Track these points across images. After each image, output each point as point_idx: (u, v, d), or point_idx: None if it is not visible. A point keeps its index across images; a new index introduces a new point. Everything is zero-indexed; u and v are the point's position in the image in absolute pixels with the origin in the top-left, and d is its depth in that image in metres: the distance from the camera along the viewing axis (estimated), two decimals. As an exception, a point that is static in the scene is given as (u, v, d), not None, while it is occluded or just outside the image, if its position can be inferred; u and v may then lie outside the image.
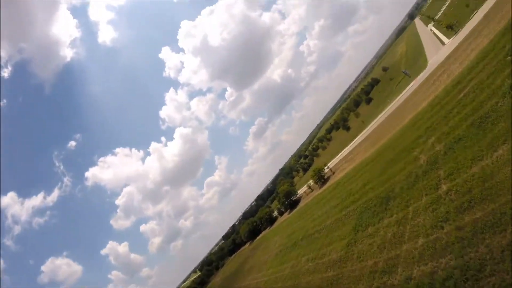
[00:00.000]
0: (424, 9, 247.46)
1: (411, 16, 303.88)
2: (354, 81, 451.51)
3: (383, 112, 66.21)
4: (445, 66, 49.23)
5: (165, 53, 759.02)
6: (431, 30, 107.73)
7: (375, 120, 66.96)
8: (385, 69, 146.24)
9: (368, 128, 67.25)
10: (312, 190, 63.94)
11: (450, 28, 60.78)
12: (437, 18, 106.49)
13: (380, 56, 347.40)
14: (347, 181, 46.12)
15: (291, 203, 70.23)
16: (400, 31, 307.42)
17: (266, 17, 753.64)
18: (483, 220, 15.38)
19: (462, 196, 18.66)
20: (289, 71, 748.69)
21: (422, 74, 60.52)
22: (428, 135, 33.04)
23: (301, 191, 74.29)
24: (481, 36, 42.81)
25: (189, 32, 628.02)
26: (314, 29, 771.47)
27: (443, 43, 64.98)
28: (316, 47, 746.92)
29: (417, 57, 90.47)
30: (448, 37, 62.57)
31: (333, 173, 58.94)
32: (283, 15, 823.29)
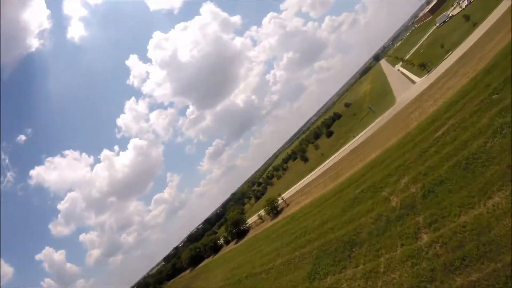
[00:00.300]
0: (391, 51, 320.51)
1: (376, 58, 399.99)
2: (314, 115, 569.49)
3: (346, 146, 76.08)
4: (417, 104, 58.35)
5: (132, 61, 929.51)
6: (398, 70, 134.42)
7: (336, 154, 77.78)
8: (347, 105, 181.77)
9: (328, 161, 77.88)
10: (263, 221, 74.98)
11: (422, 67, 73.33)
12: (406, 58, 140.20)
13: (342, 93, 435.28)
14: (302, 216, 52.38)
15: (239, 233, 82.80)
16: (365, 71, 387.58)
17: (238, 42, 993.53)
18: (482, 284, 15.77)
19: (452, 251, 19.18)
20: (253, 97, 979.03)
21: (389, 110, 70.51)
22: (400, 174, 34.80)
23: (251, 220, 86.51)
24: (458, 75, 51.90)
25: (160, 44, 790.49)
26: (282, 60, 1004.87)
27: (413, 81, 77.47)
28: (281, 77, 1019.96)
29: (383, 95, 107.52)
30: (419, 76, 75.19)
31: (287, 205, 68.84)
32: (255, 42, 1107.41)
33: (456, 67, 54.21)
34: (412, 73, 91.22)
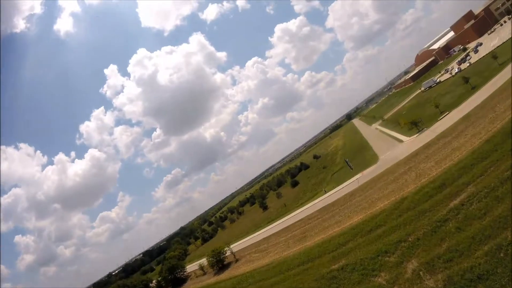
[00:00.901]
0: (366, 111, 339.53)
1: (349, 117, 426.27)
2: (279, 162, 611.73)
3: (315, 201, 73.05)
4: (411, 164, 52.91)
5: (111, 71, 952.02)
6: (377, 128, 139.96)
7: (302, 208, 74.54)
8: (316, 157, 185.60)
9: (292, 215, 74.73)
10: (204, 274, 73.81)
11: (413, 126, 74.43)
12: (386, 118, 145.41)
13: (310, 145, 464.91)
14: (254, 282, 47.50)
15: (174, 281, 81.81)
16: (335, 128, 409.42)
17: (219, 77, 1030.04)
18: None
19: None
20: (222, 134, 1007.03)
21: (372, 168, 67.08)
22: (402, 254, 27.13)
23: (191, 268, 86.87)
24: (465, 136, 49.62)
25: (142, 61, 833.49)
26: (257, 104, 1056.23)
27: (399, 140, 76.19)
28: (253, 120, 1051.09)
29: (360, 151, 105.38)
30: (407, 135, 73.67)
31: (236, 260, 66.28)
32: (235, 82, 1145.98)
33: (460, 127, 50.84)
34: (396, 132, 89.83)
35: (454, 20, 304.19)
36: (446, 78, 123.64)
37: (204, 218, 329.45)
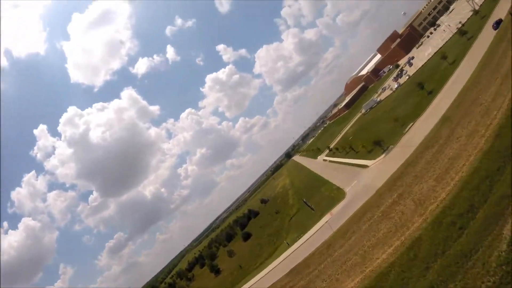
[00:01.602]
0: (304, 147, 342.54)
1: (288, 155, 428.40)
2: (225, 211, 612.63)
3: (279, 260, 63.94)
4: (399, 189, 43.21)
5: (41, 131, 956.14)
6: (325, 159, 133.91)
7: (264, 272, 65.63)
8: (264, 201, 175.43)
9: (252, 282, 67.12)
10: None
11: (377, 145, 66.80)
12: (332, 147, 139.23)
13: (255, 190, 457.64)
14: None
15: None
16: (276, 168, 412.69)
17: (153, 132, 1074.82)
18: None
19: None
20: (162, 190, 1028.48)
21: (341, 205, 57.52)
22: None
23: None
24: (456, 139, 39.16)
25: (73, 120, 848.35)
26: (196, 156, 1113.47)
27: (363, 166, 68.19)
28: (193, 172, 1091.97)
29: (314, 188, 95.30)
30: (371, 158, 66.46)
31: None
32: (170, 135, 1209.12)
33: (444, 132, 43.59)
34: (352, 158, 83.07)
35: (370, 50, 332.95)
36: (387, 95, 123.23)
37: (152, 285, 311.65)
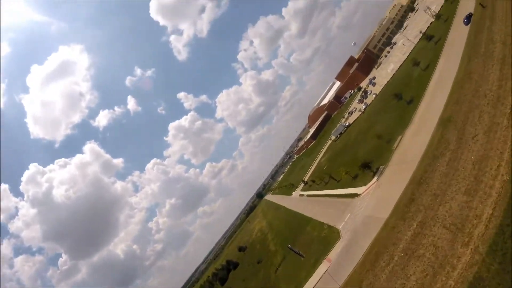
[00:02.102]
0: (275, 185, 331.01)
1: (259, 196, 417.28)
2: (203, 262, 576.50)
3: None
4: (417, 216, 32.51)
5: (2, 191, 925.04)
6: (302, 195, 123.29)
7: None
8: (242, 249, 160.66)
9: None
10: None
11: (366, 168, 56.74)
12: (307, 179, 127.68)
13: (230, 235, 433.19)
14: None
15: None
16: (250, 210, 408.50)
17: (119, 186, 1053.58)
18: None
19: None
20: (134, 247, 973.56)
21: (338, 247, 45.59)
22: None
23: None
24: (472, 140, 31.18)
25: (35, 178, 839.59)
26: (165, 207, 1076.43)
27: (352, 195, 58.24)
28: (165, 224, 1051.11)
29: (297, 230, 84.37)
30: (359, 185, 57.58)
31: None
32: (137, 188, 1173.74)
33: (450, 136, 35.58)
34: (336, 188, 73.05)
35: (325, 83, 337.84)
36: (357, 117, 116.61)
37: None
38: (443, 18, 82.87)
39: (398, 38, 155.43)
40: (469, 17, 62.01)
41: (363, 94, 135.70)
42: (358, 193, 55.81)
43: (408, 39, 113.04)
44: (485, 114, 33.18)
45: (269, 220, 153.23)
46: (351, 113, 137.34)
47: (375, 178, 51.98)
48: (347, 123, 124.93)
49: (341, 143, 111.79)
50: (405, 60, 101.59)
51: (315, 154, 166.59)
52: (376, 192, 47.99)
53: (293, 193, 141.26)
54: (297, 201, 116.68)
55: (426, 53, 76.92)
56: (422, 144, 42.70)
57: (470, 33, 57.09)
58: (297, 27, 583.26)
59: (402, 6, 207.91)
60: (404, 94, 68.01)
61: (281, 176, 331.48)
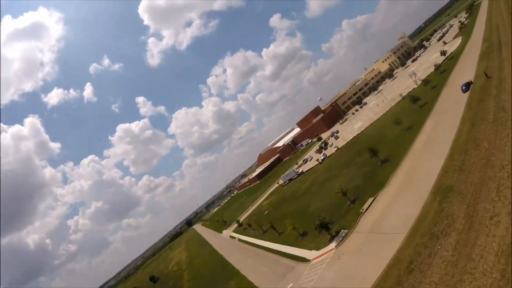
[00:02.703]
0: (208, 216, 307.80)
1: (189, 223, 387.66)
2: (114, 277, 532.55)
3: None
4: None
5: None
6: (233, 237, 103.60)
7: None
8: (154, 279, 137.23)
9: None
10: None
11: (322, 227, 40.67)
12: (242, 221, 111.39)
13: (149, 257, 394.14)
14: None
15: None
16: (176, 236, 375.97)
17: (48, 172, 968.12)
18: None
19: None
20: (47, 241, 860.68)
21: None
22: None
23: None
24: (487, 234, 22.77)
25: None
26: (90, 208, 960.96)
27: (298, 258, 45.78)
28: (85, 226, 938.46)
29: (218, 277, 68.45)
30: (311, 246, 45.51)
31: None
32: (66, 180, 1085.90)
33: (457, 210, 23.89)
34: (275, 241, 61.87)
35: (282, 129, 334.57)
36: (312, 166, 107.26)
37: None
38: (431, 85, 77.59)
39: (369, 100, 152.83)
40: (468, 85, 57.63)
41: (323, 145, 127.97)
42: (307, 257, 43.51)
43: (384, 100, 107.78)
44: (507, 190, 25.79)
45: (191, 255, 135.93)
46: (306, 161, 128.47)
47: (333, 243, 40.33)
48: (300, 170, 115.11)
49: (290, 190, 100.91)
50: (378, 119, 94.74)
51: (257, 195, 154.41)
52: (334, 263, 36.05)
53: (224, 231, 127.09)
54: (227, 243, 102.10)
55: (409, 114, 69.75)
56: (408, 215, 32.28)
57: (470, 99, 51.86)
58: (272, 70, 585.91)
59: (380, 72, 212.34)
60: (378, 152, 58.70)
61: (216, 209, 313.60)
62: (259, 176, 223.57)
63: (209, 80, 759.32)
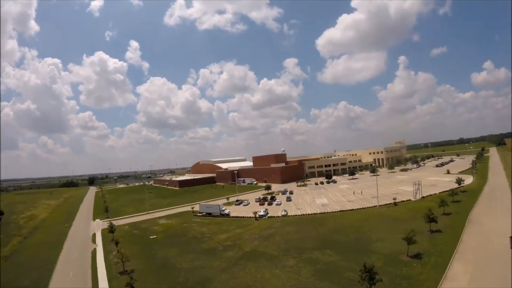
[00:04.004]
0: (109, 186, 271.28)
1: (91, 181, 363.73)
2: None
3: None
4: None
5: None
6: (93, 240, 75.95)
7: None
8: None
9: None
10: None
11: None
12: (115, 226, 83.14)
13: (24, 188, 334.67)
14: None
15: None
16: (68, 184, 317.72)
17: (10, 44, 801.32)
18: None
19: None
20: None
21: None
22: None
23: None
24: None
25: None
26: (23, 104, 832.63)
27: None
28: (6, 117, 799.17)
29: None
30: None
31: None
32: (22, 64, 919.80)
33: None
34: None
35: (236, 155, 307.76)
36: (244, 214, 79.34)
37: None
38: (445, 210, 57.22)
39: (340, 180, 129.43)
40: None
41: (267, 197, 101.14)
42: None
43: (362, 192, 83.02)
44: None
45: (47, 224, 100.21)
46: (240, 202, 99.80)
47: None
48: (227, 211, 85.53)
49: (198, 228, 72.05)
50: (359, 211, 68.87)
51: (164, 202, 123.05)
52: None
53: (97, 221, 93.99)
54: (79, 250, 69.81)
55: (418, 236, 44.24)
56: None
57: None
58: (259, 100, 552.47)
59: (360, 161, 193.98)
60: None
61: (121, 185, 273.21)
62: (182, 184, 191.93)
63: (202, 71, 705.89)
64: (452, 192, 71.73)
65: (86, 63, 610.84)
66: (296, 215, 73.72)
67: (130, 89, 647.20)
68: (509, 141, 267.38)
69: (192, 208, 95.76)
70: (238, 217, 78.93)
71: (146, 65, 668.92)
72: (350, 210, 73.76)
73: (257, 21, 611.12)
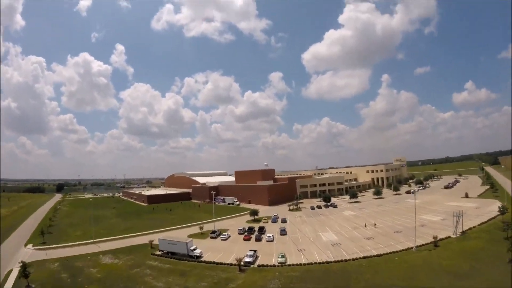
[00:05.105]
0: (74, 195, 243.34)
1: (60, 188, 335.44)
2: None
3: None
4: None
5: None
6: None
7: None
8: None
9: None
10: None
11: None
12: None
13: None
14: None
15: None
16: (33, 189, 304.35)
17: None
18: None
19: None
20: None
21: None
22: None
23: None
24: None
25: None
26: (4, 102, 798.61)
27: None
28: None
29: None
30: None
31: None
32: (6, 60, 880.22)
33: None
34: None
35: (217, 168, 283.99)
36: (223, 260, 55.70)
37: None
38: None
39: (340, 204, 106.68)
40: None
41: (261, 228, 77.01)
42: None
43: (376, 225, 60.52)
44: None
45: None
46: (216, 235, 75.17)
47: None
48: (197, 252, 60.41)
49: (152, 274, 47.36)
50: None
51: (122, 225, 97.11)
52: None
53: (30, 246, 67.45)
54: None
55: None
56: None
57: None
58: (242, 112, 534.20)
59: (356, 179, 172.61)
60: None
61: (88, 196, 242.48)
62: (151, 199, 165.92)
63: (187, 79, 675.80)
64: (506, 226, 52.12)
65: (70, 63, 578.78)
66: (300, 264, 49.65)
67: (113, 93, 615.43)
68: (504, 160, 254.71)
69: (151, 242, 69.95)
70: (214, 262, 53.72)
71: (130, 69, 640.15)
72: (377, 256, 50.63)
73: (245, 31, 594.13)
